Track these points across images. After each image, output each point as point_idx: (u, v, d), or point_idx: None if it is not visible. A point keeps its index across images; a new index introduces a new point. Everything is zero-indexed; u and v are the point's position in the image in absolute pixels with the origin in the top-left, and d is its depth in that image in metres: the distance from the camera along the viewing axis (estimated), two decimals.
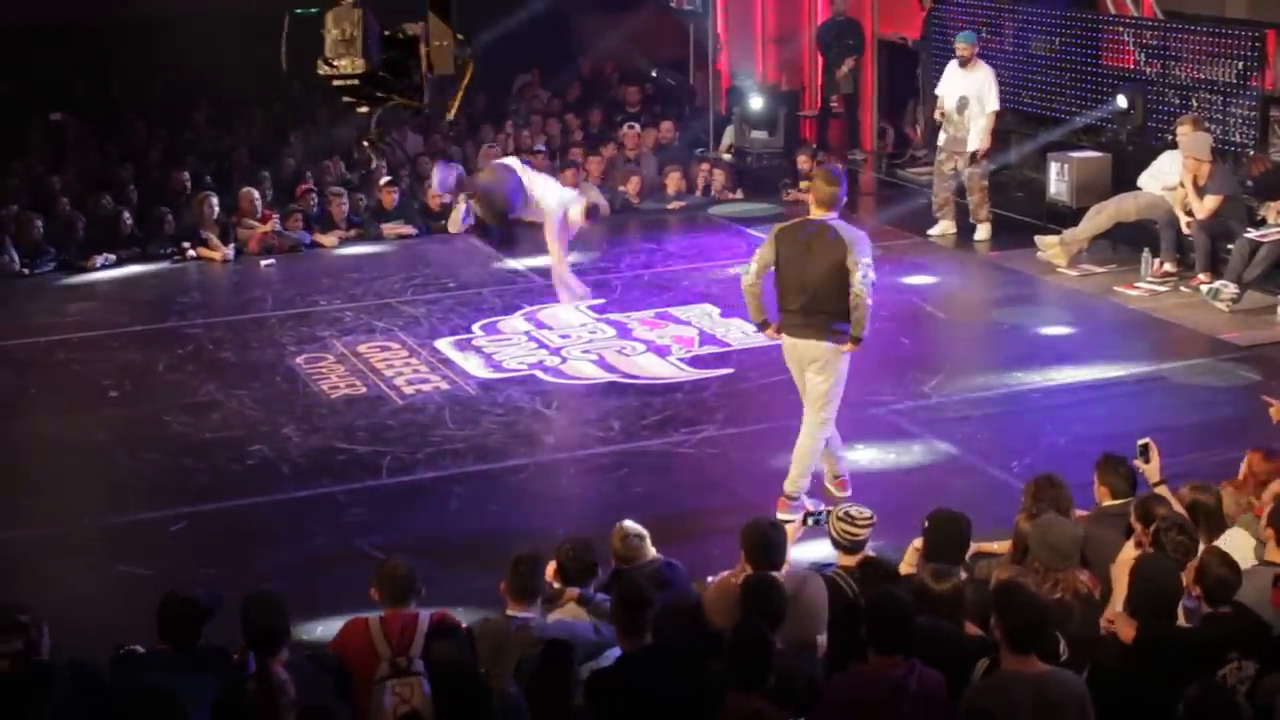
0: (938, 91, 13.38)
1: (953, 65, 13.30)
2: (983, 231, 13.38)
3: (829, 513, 6.37)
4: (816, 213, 7.76)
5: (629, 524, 6.29)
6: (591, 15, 17.92)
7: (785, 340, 7.90)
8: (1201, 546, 5.74)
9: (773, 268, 7.80)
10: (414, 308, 11.74)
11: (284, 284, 12.75)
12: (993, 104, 13.03)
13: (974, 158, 13.11)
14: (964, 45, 13.17)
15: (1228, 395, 9.61)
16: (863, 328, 7.68)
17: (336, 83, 5.78)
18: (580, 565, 6.01)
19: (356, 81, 5.78)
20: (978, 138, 13.05)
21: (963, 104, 13.06)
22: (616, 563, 6.22)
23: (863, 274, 7.59)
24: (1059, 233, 12.66)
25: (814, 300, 7.70)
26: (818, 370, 7.82)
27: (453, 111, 6.82)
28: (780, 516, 7.76)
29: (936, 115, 13.35)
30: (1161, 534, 5.70)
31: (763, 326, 7.99)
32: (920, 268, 12.68)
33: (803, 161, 15.37)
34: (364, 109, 6.22)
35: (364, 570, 6.26)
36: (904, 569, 6.17)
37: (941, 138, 13.35)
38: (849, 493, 7.96)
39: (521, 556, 5.78)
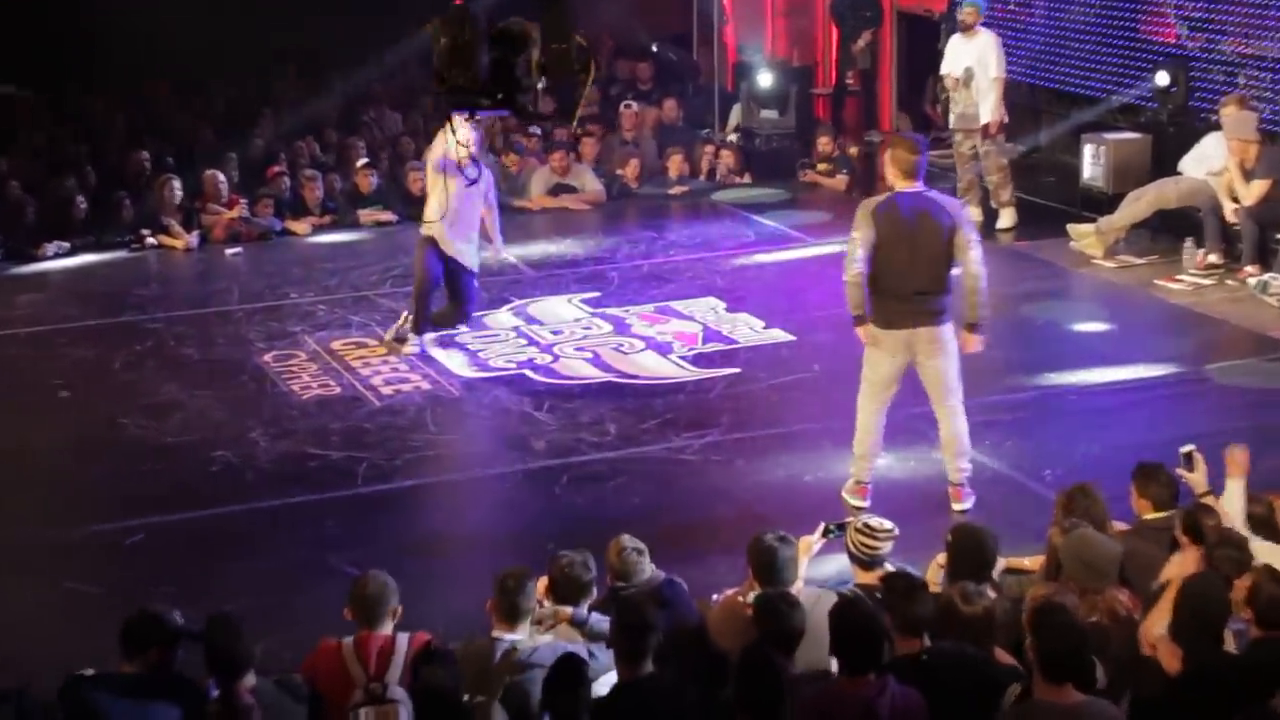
0: (943, 69, 13.33)
1: (955, 37, 13.28)
2: (1006, 218, 13.33)
3: (848, 524, 6.33)
4: (904, 185, 7.72)
5: (627, 538, 6.26)
6: None
7: (890, 334, 7.80)
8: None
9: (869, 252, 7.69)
10: (394, 301, 11.68)
11: (252, 275, 12.71)
12: (995, 70, 12.90)
13: (985, 132, 13.02)
14: (969, 10, 13.10)
15: (1278, 398, 9.57)
16: (981, 312, 7.75)
17: (447, 97, 5.76)
18: (574, 583, 5.98)
19: (467, 94, 5.75)
20: (988, 110, 12.97)
21: (969, 76, 12.97)
22: (613, 580, 6.19)
23: (978, 253, 7.68)
24: (1094, 221, 12.63)
25: (930, 281, 7.70)
26: (935, 355, 7.83)
27: (576, 117, 6.80)
28: (958, 508, 7.88)
29: (948, 85, 13.23)
30: (1212, 550, 5.66)
31: (859, 322, 7.82)
32: None
33: (824, 144, 15.33)
34: (467, 121, 6.21)
35: (337, 587, 6.23)
36: None
37: (951, 117, 13.30)
38: (868, 503, 7.92)
39: (510, 573, 5.76)
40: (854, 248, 7.70)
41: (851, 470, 8.12)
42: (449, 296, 10.71)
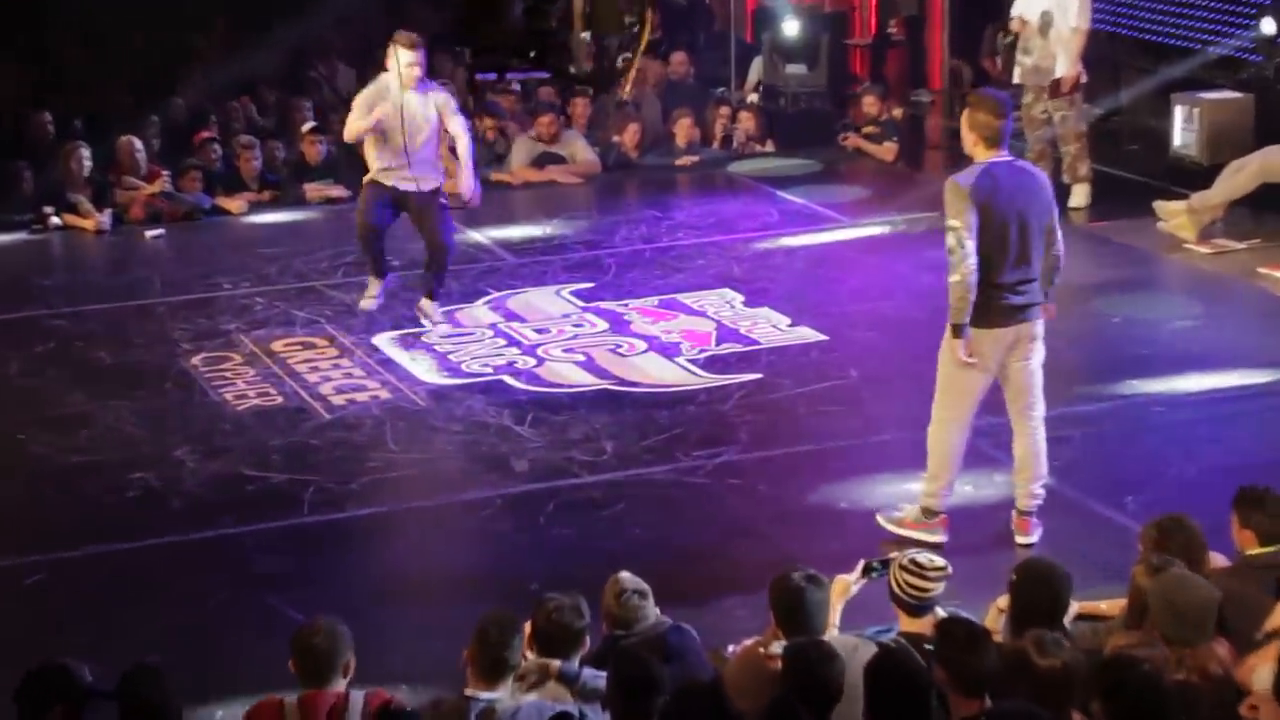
0: (1015, 10, 13.31)
1: None
2: (1080, 195, 13.35)
3: (891, 561, 6.33)
4: (988, 155, 7.72)
5: (626, 577, 6.27)
6: None
7: (993, 334, 7.79)
8: None
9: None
10: (346, 293, 11.71)
11: (176, 261, 12.73)
12: (1076, 18, 12.88)
13: (1056, 89, 12.98)
14: None
15: None
16: (1056, 280, 8.00)
17: (479, 55, 5.75)
18: (563, 631, 5.97)
19: (496, 52, 5.76)
20: (1064, 63, 12.95)
21: (1045, 23, 12.96)
22: (610, 627, 6.20)
23: (1061, 233, 7.92)
24: (1186, 197, 12.63)
25: (1033, 267, 7.81)
26: (1032, 354, 7.93)
27: (627, 87, 6.73)
28: (1023, 541, 7.95)
29: (1014, 27, 13.17)
30: None
31: (961, 331, 7.73)
32: None
33: (869, 104, 15.34)
34: (498, 83, 6.22)
35: (279, 635, 6.22)
36: None
37: (1017, 71, 13.29)
38: (945, 538, 7.91)
39: (493, 620, 5.73)
40: (961, 237, 7.58)
41: (922, 499, 8.08)
42: (424, 239, 10.95)
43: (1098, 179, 13.43)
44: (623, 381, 10.24)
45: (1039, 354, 7.98)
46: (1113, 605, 6.44)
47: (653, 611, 6.23)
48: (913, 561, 6.22)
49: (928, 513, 8.06)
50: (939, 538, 7.94)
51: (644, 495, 8.75)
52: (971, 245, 7.61)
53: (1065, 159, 13.34)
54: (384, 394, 10.08)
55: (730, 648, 6.40)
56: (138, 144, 13.87)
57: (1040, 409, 8.06)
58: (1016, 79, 13.31)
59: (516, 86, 15.67)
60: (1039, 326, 7.93)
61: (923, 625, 6.10)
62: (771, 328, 11.03)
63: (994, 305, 7.76)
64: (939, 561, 6.23)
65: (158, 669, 5.57)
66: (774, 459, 9.13)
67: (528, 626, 6.03)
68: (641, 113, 15.36)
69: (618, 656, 5.66)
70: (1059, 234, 7.91)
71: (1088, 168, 13.35)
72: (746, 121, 15.40)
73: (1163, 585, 5.82)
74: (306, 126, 14.41)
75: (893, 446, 8.97)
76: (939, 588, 6.21)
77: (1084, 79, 13.13)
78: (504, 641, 5.70)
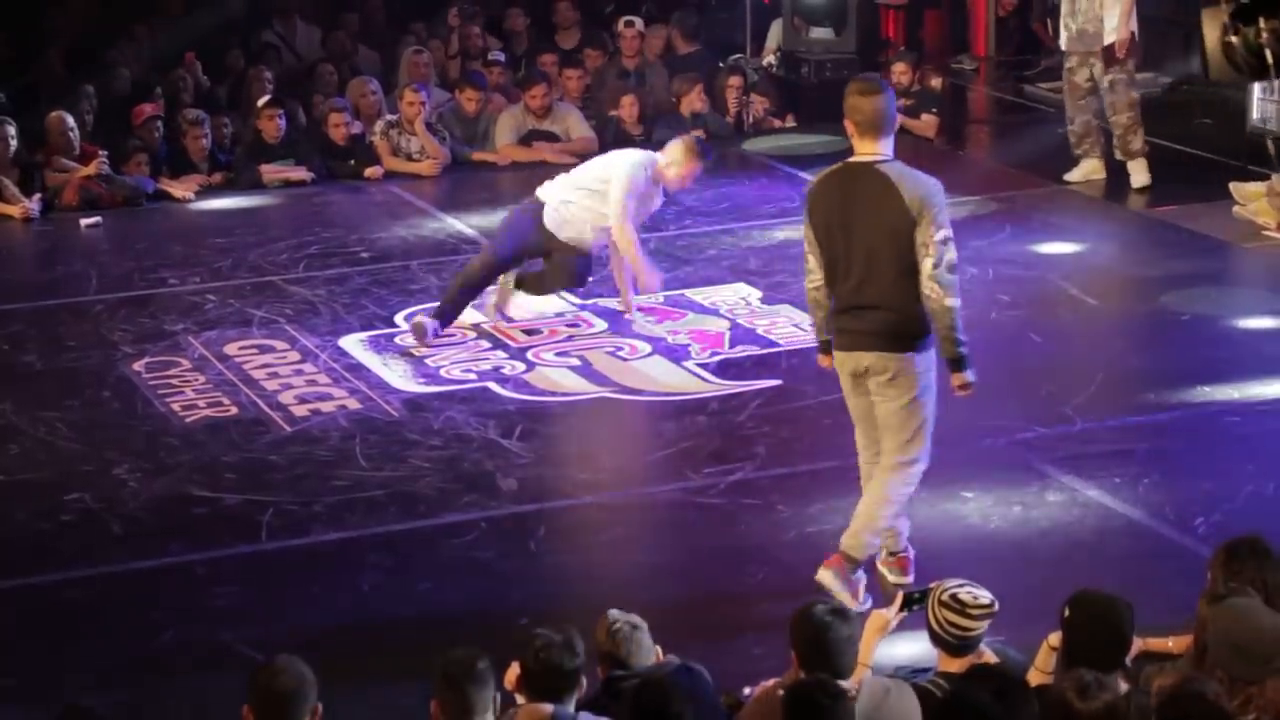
0: None
1: None
2: (1140, 173, 13.39)
3: (930, 591, 6.35)
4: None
5: (616, 613, 6.27)
6: None
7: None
8: None
9: None
10: (309, 288, 11.75)
11: (116, 253, 12.75)
12: None
13: (1110, 57, 13.05)
14: None
15: None
16: None
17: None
18: (554, 671, 5.96)
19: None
20: (1115, 27, 13.00)
21: None
22: (607, 668, 6.21)
23: None
24: (1266, 178, 12.65)
25: None
26: None
27: None
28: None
29: None
30: None
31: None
32: (1057, 230, 12.65)
33: (900, 73, 15.33)
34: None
35: (234, 677, 6.26)
36: (1035, 677, 6.17)
37: (1063, 36, 13.35)
38: (910, 577, 7.91)
39: (454, 660, 5.71)
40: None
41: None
42: None
43: (1166, 156, 13.45)
44: (624, 389, 10.26)
45: None
46: (1180, 642, 6.44)
47: (650, 646, 6.23)
48: (953, 597, 6.21)
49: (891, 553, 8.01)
50: (905, 578, 7.88)
51: (648, 518, 8.80)
52: None
53: (1116, 131, 13.38)
54: (352, 404, 10.10)
55: (746, 690, 6.39)
56: (70, 121, 13.87)
57: None
58: (1063, 45, 13.39)
59: (501, 56, 15.72)
60: None
61: (964, 665, 6.13)
62: (793, 327, 11.02)
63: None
64: (984, 598, 6.22)
65: (94, 712, 5.58)
66: (795, 476, 9.14)
67: (515, 667, 6.06)
68: (645, 83, 15.37)
69: (638, 688, 5.66)
70: None
71: (1141, 141, 13.37)
72: (763, 93, 15.40)
73: (1223, 615, 5.84)
74: (263, 99, 14.36)
75: (930, 462, 8.98)
76: (982, 627, 6.22)
77: (1136, 39, 13.17)
78: (467, 683, 5.62)
